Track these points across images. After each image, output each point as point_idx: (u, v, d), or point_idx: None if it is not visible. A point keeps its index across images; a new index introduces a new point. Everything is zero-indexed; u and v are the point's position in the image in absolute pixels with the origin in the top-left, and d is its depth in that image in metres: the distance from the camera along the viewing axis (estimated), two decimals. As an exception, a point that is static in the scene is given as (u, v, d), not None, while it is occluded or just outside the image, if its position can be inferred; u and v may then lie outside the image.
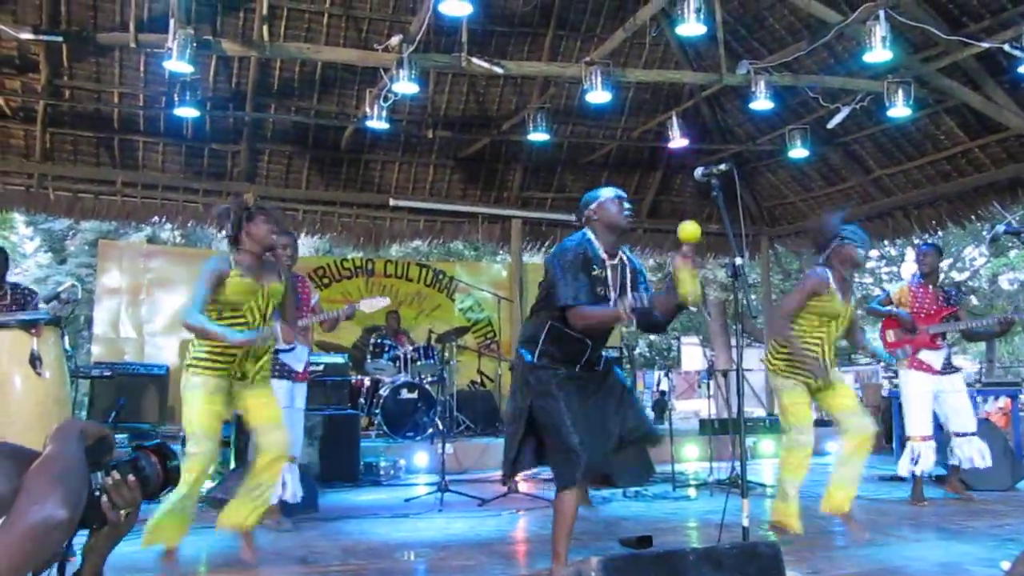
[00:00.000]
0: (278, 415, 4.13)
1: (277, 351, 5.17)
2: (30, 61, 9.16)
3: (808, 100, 9.49)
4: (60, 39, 8.47)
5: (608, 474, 3.80)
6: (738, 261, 3.18)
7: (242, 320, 3.98)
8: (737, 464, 6.26)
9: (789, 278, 22.06)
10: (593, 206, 3.81)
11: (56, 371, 3.46)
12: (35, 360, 3.35)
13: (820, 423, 12.97)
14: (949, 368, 6.15)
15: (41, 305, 4.11)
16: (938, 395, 6.07)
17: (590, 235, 3.78)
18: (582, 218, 3.84)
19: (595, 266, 3.67)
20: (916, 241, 11.71)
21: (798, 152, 9.73)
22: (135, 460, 1.70)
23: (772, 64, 8.36)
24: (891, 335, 6.16)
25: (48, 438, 1.59)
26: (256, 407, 4.09)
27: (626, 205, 3.79)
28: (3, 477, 1.52)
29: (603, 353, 3.91)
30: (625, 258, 3.84)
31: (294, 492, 5.26)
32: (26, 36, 7.59)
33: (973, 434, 6.09)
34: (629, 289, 3.74)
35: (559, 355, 3.71)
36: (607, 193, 3.82)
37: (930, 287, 6.14)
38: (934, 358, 6.06)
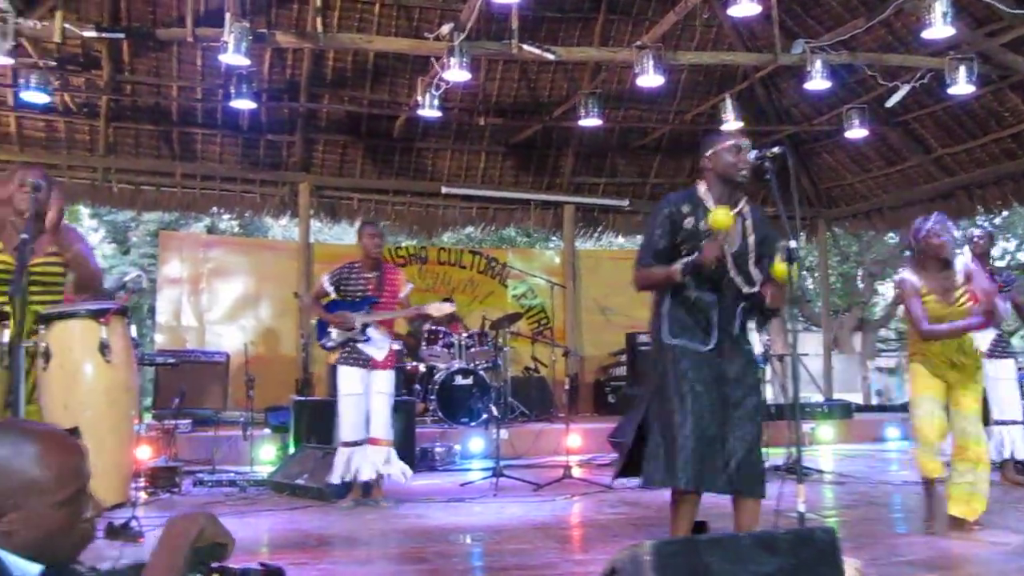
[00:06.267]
0: None
1: (354, 341, 5.49)
2: (93, 58, 9.42)
3: (866, 78, 9.28)
4: (122, 36, 8.69)
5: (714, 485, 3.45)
6: (792, 244, 3.14)
7: None
8: (794, 450, 6.18)
9: (847, 261, 21.64)
10: (708, 153, 3.51)
11: (124, 359, 3.56)
12: (104, 348, 3.46)
13: (881, 408, 12.75)
14: (999, 353, 6.00)
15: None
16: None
17: (699, 187, 3.52)
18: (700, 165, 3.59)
19: (690, 217, 3.42)
20: (980, 222, 11.41)
21: (856, 132, 9.50)
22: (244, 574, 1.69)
23: (828, 42, 8.19)
24: None
25: (162, 533, 1.59)
26: None
27: (747, 156, 3.42)
28: (37, 461, 1.55)
29: (742, 324, 3.55)
30: (747, 210, 3.53)
31: (402, 471, 5.66)
32: (89, 34, 7.78)
33: (1018, 422, 5.95)
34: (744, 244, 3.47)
35: (687, 322, 3.48)
36: (725, 140, 3.52)
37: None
38: (983, 339, 5.89)
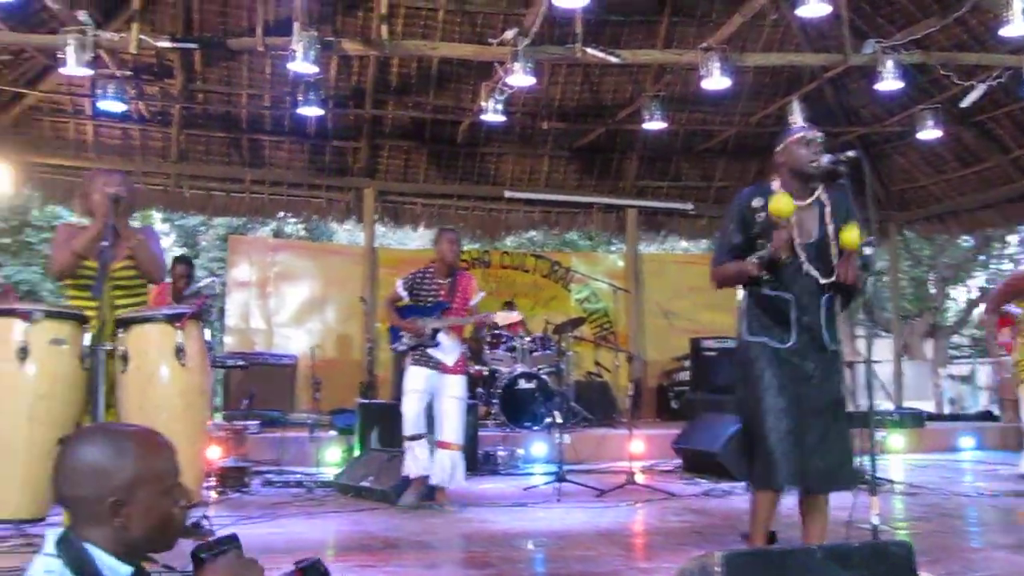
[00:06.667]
0: None
1: (424, 346, 5.56)
2: (167, 68, 9.70)
3: (939, 78, 9.01)
4: (194, 46, 8.93)
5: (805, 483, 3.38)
6: (867, 250, 3.06)
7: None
8: (865, 460, 6.04)
9: (919, 265, 21.06)
10: (779, 148, 3.43)
11: (198, 362, 3.66)
12: (180, 352, 3.56)
13: (954, 417, 12.38)
14: None
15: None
16: None
17: (773, 183, 3.42)
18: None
19: (763, 212, 3.32)
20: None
21: (929, 133, 9.24)
22: None
23: (901, 42, 7.98)
24: (1006, 333, 5.76)
25: None
26: None
27: (818, 146, 3.33)
28: (138, 457, 1.65)
29: (828, 318, 3.40)
30: (824, 197, 3.40)
31: (459, 477, 5.66)
32: (164, 44, 8.01)
33: None
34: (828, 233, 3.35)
35: (765, 320, 3.40)
36: (794, 133, 3.42)
37: None
38: None
